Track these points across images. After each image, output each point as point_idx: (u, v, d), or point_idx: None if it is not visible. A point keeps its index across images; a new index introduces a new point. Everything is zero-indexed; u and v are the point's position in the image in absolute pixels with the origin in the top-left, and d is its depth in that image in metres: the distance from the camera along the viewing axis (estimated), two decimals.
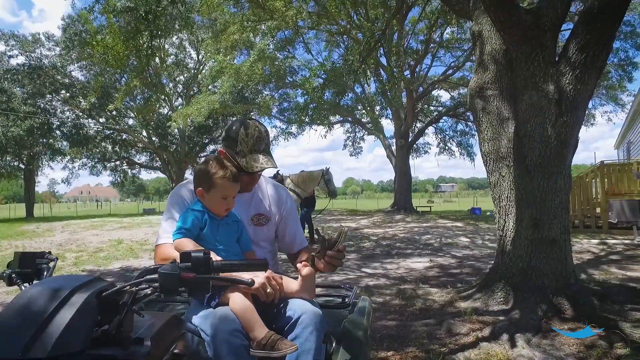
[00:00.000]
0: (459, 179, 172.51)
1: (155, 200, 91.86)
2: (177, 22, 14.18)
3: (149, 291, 0.96)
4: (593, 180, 10.95)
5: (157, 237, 1.60)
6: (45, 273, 1.21)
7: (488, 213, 20.42)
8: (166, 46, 28.50)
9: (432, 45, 18.36)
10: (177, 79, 30.47)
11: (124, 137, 29.66)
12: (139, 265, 6.79)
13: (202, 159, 1.80)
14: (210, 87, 22.82)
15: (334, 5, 13.70)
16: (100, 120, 28.78)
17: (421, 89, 20.94)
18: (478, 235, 10.11)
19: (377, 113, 23.34)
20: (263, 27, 17.41)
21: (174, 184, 29.69)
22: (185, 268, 0.97)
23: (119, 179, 32.10)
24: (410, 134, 21.07)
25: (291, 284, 1.48)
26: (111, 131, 28.24)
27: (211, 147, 31.58)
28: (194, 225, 1.48)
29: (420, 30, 19.09)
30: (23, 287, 1.15)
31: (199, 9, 14.39)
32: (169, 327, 1.13)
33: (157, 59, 28.46)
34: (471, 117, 21.16)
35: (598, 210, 10.95)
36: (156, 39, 7.37)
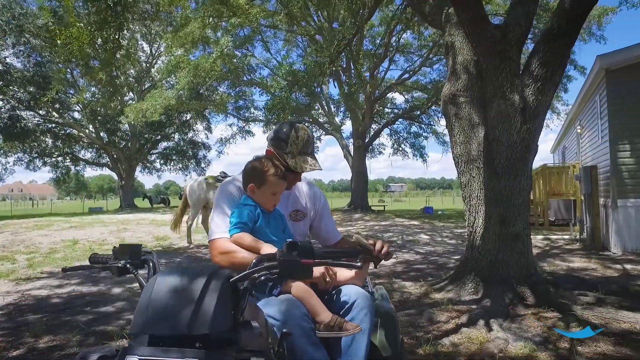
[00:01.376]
0: (408, 179, 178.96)
1: (98, 199, 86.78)
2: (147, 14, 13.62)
3: (262, 278, 1.07)
4: (536, 181, 11.95)
5: (210, 232, 1.69)
6: (152, 264, 1.31)
7: (440, 212, 21.52)
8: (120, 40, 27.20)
9: (390, 49, 18.99)
10: (128, 72, 29.10)
11: (68, 131, 27.85)
12: None
13: (252, 159, 1.84)
14: (164, 82, 22.13)
15: (296, 6, 13.84)
16: (40, 112, 26.84)
17: (377, 92, 21.63)
18: (436, 232, 10.71)
19: (335, 114, 23.80)
20: (224, 24, 17.23)
21: (123, 182, 28.39)
22: (299, 255, 1.09)
23: (60, 176, 30.10)
24: (367, 135, 21.69)
25: (343, 273, 1.63)
26: (53, 125, 26.39)
27: (164, 144, 30.52)
28: (249, 219, 1.59)
29: (378, 33, 19.72)
30: (140, 277, 1.27)
31: (158, 2, 13.97)
32: (258, 312, 1.25)
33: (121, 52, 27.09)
34: (424, 120, 22.20)
35: (539, 209, 12.00)
36: (123, 31, 7.09)
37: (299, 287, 1.47)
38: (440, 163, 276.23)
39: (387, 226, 12.16)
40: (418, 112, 20.55)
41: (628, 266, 6.22)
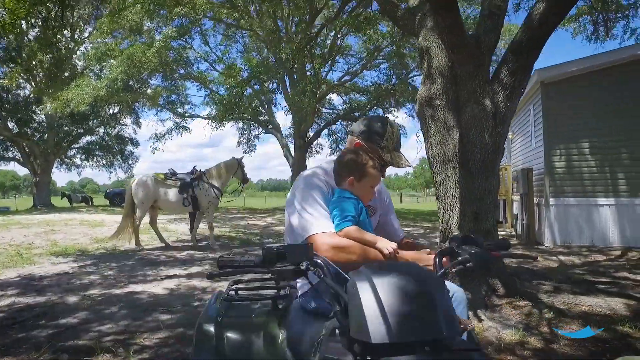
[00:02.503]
0: None
1: (5, 197, 76.61)
2: None
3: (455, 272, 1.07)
4: None
5: (308, 226, 1.53)
6: (324, 263, 1.22)
7: None
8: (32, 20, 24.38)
9: (332, 50, 19.29)
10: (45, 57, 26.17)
11: None
12: (45, 273, 5.84)
13: (345, 151, 1.75)
14: (89, 71, 20.31)
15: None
16: None
17: (318, 92, 21.86)
18: None
19: (275, 112, 23.61)
20: (162, 11, 16.26)
21: (37, 179, 25.54)
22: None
23: None
24: (307, 135, 21.84)
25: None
26: None
27: (87, 138, 27.99)
28: (356, 213, 1.52)
29: (323, 34, 19.95)
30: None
31: None
32: None
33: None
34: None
35: None
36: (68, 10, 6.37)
37: None
38: None
39: None
40: (357, 114, 21.11)
41: (562, 257, 6.97)
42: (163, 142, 22.72)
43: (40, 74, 22.77)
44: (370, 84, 20.76)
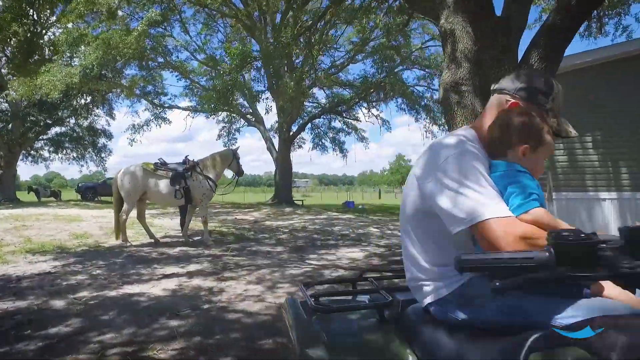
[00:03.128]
0: (311, 175, 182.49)
1: None
2: None
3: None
4: None
5: (478, 208, 1.05)
6: None
7: (360, 206, 22.14)
8: None
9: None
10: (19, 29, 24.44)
11: None
12: (22, 273, 5.21)
13: (507, 112, 1.29)
14: (59, 57, 19.07)
15: None
16: None
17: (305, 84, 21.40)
18: (381, 225, 10.81)
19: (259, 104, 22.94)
20: None
21: (1, 172, 23.96)
22: None
23: None
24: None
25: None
26: None
27: (56, 129, 26.47)
28: (539, 191, 1.12)
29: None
30: None
31: None
32: None
33: None
34: (354, 114, 22.53)
35: None
36: None
37: (616, 289, 1.07)
38: (340, 159, 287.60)
39: (328, 220, 11.97)
40: (342, 108, 20.81)
41: None
42: (141, 134, 21.73)
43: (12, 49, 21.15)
44: (358, 77, 20.41)
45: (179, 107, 21.75)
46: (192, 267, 5.57)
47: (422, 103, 18.47)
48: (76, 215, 11.89)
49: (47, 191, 27.73)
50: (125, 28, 17.43)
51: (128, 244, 7.05)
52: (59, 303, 4.00)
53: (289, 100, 14.54)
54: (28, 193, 27.32)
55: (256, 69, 21.21)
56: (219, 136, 25.59)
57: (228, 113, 24.14)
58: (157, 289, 4.50)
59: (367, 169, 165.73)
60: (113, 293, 4.30)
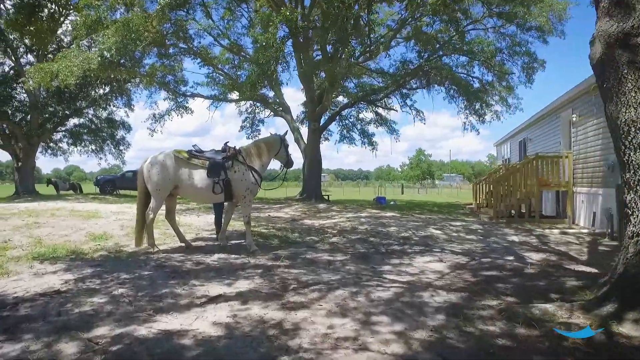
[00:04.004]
0: (326, 170, 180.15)
1: None
2: None
3: None
4: (521, 171, 11.19)
5: None
6: None
7: (392, 202, 20.63)
8: None
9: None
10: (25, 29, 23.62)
11: None
12: (24, 292, 3.96)
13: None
14: (78, 43, 18.02)
15: None
16: None
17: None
18: (437, 224, 9.36)
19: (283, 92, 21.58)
20: None
21: (19, 164, 23.25)
22: None
23: None
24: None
25: None
26: None
27: (74, 121, 25.64)
28: None
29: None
30: None
31: None
32: None
33: None
34: (387, 103, 20.97)
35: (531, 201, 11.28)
36: None
37: None
38: (355, 154, 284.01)
39: (375, 219, 10.56)
40: (378, 95, 19.25)
41: None
42: (162, 124, 20.61)
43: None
44: (394, 62, 18.76)
45: (201, 96, 20.51)
46: (242, 285, 4.24)
47: (471, 90, 16.60)
48: (94, 211, 10.76)
49: (66, 184, 27.04)
50: (144, 12, 16.29)
51: (155, 250, 5.77)
52: (68, 348, 2.71)
53: (336, 77, 13.01)
54: (47, 186, 26.67)
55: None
56: (242, 127, 24.34)
57: (252, 102, 22.89)
58: (203, 322, 3.18)
59: (382, 163, 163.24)
60: (143, 330, 2.99)
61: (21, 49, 23.43)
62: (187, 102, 20.27)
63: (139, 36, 15.10)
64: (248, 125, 24.36)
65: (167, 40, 16.99)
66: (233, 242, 6.75)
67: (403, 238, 7.47)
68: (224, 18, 20.14)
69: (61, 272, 4.65)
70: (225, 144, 6.24)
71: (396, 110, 20.82)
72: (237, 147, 6.19)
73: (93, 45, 16.64)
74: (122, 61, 19.03)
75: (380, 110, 23.44)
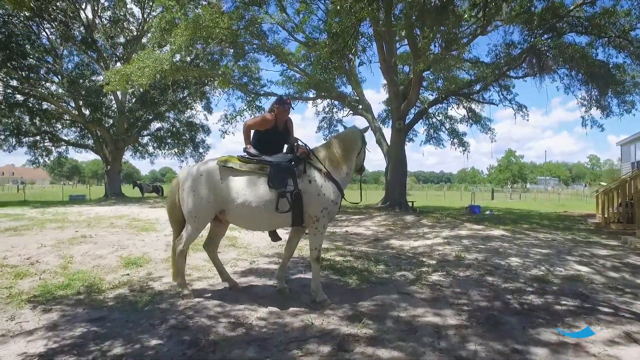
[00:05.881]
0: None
1: (93, 184, 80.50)
2: None
3: None
4: None
5: None
6: None
7: (488, 212, 17.51)
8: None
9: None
10: (117, 40, 24.72)
11: (44, 106, 23.58)
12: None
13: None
14: (155, 47, 17.88)
15: None
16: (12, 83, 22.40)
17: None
18: (573, 254, 6.68)
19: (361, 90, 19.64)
20: None
21: (108, 167, 24.29)
22: None
23: (40, 159, 25.83)
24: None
25: None
26: (23, 97, 22.08)
27: (157, 125, 26.33)
28: None
29: None
30: None
31: None
32: None
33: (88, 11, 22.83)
34: (486, 97, 18.02)
35: None
36: None
37: None
38: (436, 156, 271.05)
39: (480, 240, 8.14)
40: (478, 87, 16.39)
41: None
42: (234, 125, 19.87)
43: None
44: (493, 47, 15.80)
45: (275, 95, 19.37)
46: None
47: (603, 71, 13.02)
48: (154, 220, 9.82)
49: (150, 186, 27.88)
50: (216, 9, 15.52)
51: (185, 293, 4.15)
52: None
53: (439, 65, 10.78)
54: (133, 188, 27.81)
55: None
56: (319, 128, 22.88)
57: (330, 100, 21.30)
58: None
59: (466, 165, 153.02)
60: None
61: (114, 59, 24.51)
62: (260, 102, 19.24)
63: (210, 34, 14.29)
64: (326, 125, 22.84)
65: (239, 36, 15.99)
66: (295, 276, 4.99)
67: (537, 280, 5.08)
68: (300, 11, 18.82)
69: (41, 331, 3.21)
70: (297, 140, 4.32)
71: (496, 105, 17.73)
72: (309, 147, 4.27)
73: (166, 46, 16.31)
74: (199, 63, 18.72)
75: (473, 106, 20.54)
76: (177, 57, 14.92)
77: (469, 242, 7.86)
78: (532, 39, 12.99)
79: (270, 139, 4.30)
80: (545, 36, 13.75)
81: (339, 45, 10.34)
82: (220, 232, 4.54)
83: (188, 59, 18.25)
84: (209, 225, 4.37)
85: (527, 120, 18.14)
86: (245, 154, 4.19)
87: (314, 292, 4.07)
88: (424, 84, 20.25)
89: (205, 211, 4.02)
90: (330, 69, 10.84)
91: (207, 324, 3.42)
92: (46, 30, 21.97)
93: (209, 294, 4.25)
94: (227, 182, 3.97)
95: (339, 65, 10.97)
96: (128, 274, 4.96)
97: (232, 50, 17.83)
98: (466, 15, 9.34)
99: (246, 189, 3.95)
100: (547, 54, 12.38)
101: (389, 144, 17.24)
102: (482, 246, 7.38)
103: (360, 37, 11.50)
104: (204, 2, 16.14)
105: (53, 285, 4.41)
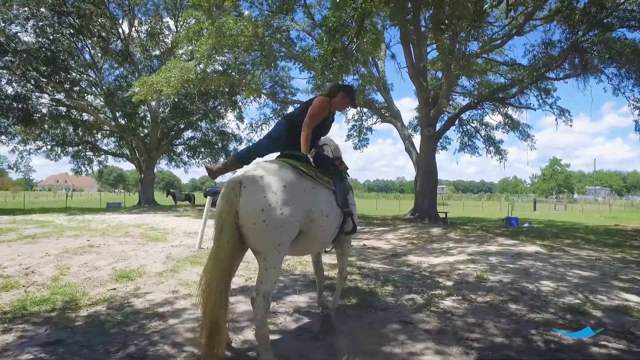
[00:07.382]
0: (445, 181, 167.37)
1: (135, 191, 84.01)
2: None
3: None
4: None
5: None
6: None
7: (526, 225, 16.24)
8: (138, 14, 23.71)
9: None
10: (153, 53, 25.53)
11: (85, 117, 24.65)
12: None
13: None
14: (184, 55, 18.14)
15: None
16: (58, 95, 23.53)
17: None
18: (620, 277, 5.78)
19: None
20: None
21: (142, 175, 24.95)
22: None
23: (82, 167, 26.99)
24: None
25: None
26: (66, 109, 23.12)
27: (189, 134, 26.84)
28: None
29: None
30: None
31: None
32: None
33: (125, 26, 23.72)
34: (523, 102, 16.91)
35: None
36: None
37: None
38: (476, 165, 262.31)
39: (509, 257, 7.33)
40: (513, 91, 15.37)
41: None
42: (259, 133, 19.81)
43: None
44: (530, 47, 14.74)
45: (301, 102, 19.15)
46: None
47: None
48: (170, 230, 9.72)
49: (182, 195, 28.40)
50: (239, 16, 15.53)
51: None
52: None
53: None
54: (167, 196, 28.42)
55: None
56: (349, 137, 22.40)
57: (358, 109, 20.81)
58: None
59: (508, 174, 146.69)
60: None
61: (148, 71, 25.29)
62: (286, 109, 19.06)
63: (235, 41, 14.25)
64: (355, 134, 22.34)
65: (265, 46, 15.89)
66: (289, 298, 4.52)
67: (571, 310, 4.33)
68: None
69: None
70: (321, 146, 3.64)
71: (534, 109, 16.56)
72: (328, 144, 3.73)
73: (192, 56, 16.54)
74: (230, 72, 18.81)
75: (510, 112, 19.42)
76: (202, 66, 14.98)
77: (496, 259, 7.08)
78: (574, 37, 11.91)
79: (314, 133, 3.41)
80: (590, 33, 12.64)
81: (336, 42, 9.85)
82: (235, 268, 3.09)
83: (220, 68, 18.40)
84: None
85: (571, 125, 16.82)
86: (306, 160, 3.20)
87: (327, 309, 3.78)
88: (457, 89, 19.38)
89: (291, 235, 2.86)
90: (332, 69, 10.27)
91: (168, 354, 3.02)
92: (88, 45, 23.02)
93: (187, 315, 3.87)
94: (309, 193, 3.02)
95: (343, 65, 10.41)
96: (114, 289, 4.69)
97: (262, 59, 17.80)
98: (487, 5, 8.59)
99: (326, 206, 3.14)
100: (591, 51, 11.28)
101: (418, 152, 16.50)
102: (511, 265, 6.59)
103: (365, 34, 10.86)
104: (235, 14, 16.22)
105: (31, 300, 4.20)
